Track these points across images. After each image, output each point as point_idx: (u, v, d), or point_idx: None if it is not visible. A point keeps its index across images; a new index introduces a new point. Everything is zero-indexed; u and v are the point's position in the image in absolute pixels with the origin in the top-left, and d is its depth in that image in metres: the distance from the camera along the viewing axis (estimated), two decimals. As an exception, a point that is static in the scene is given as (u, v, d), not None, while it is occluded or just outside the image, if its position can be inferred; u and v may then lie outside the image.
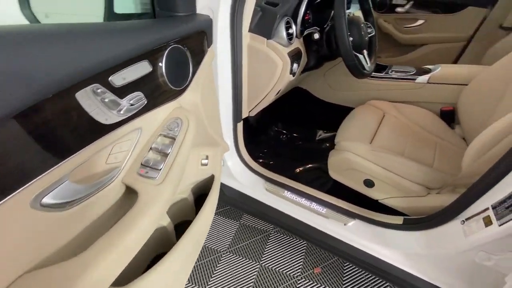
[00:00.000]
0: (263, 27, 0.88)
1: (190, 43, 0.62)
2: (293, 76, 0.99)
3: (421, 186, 0.89)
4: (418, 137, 1.11)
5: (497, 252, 0.64)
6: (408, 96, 1.29)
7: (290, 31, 0.92)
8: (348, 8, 1.46)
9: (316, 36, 1.01)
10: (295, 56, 0.96)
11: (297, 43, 1.01)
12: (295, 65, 0.96)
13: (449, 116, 1.21)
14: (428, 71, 1.28)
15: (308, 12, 1.11)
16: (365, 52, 1.05)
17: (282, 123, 1.69)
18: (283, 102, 1.33)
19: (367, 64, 1.05)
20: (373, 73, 1.32)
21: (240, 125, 1.06)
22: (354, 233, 0.92)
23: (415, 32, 1.87)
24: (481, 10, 1.63)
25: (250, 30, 0.88)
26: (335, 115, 1.49)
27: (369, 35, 1.06)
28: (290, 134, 1.67)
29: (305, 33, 1.04)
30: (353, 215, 0.94)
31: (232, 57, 0.83)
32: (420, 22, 1.84)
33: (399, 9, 1.86)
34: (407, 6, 1.83)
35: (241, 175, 1.10)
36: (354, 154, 0.98)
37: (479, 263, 0.68)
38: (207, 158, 0.78)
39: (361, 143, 1.00)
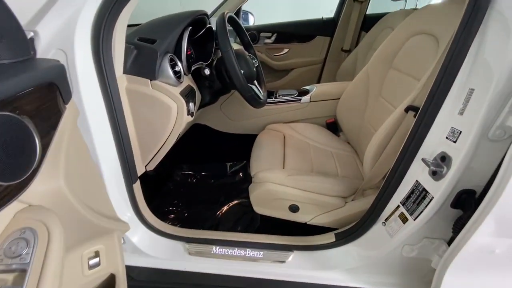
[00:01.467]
0: (143, 67, 0.74)
1: (28, 106, 0.40)
2: (192, 116, 0.88)
3: (337, 197, 0.94)
4: (317, 151, 1.21)
5: (416, 242, 0.71)
6: (298, 115, 1.41)
7: (176, 68, 0.81)
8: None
9: (207, 71, 0.95)
10: (189, 95, 0.86)
11: (187, 81, 0.91)
12: (191, 105, 0.86)
13: (333, 127, 1.39)
14: (307, 91, 1.45)
15: (189, 47, 1.04)
16: (255, 82, 1.06)
17: (187, 164, 1.52)
18: (183, 142, 1.18)
19: (261, 93, 1.06)
20: (265, 99, 1.39)
21: (137, 186, 0.84)
22: (295, 268, 0.86)
23: (284, 59, 2.14)
24: (327, 38, 2.03)
25: (126, 72, 0.72)
26: (240, 144, 1.46)
27: (255, 66, 1.09)
28: (199, 174, 1.52)
29: (193, 68, 0.96)
30: (290, 248, 0.88)
31: (108, 107, 0.64)
32: (285, 50, 2.13)
33: (267, 41, 2.10)
34: (273, 38, 2.08)
35: (153, 247, 0.87)
36: (274, 183, 0.94)
37: (406, 256, 0.74)
38: (96, 255, 0.54)
39: (277, 171, 0.98)
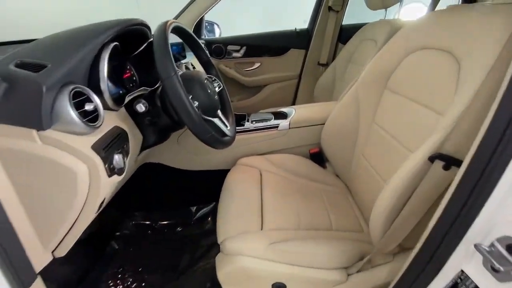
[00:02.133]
0: (21, 110, 0.44)
1: None
2: (121, 174, 0.59)
3: (336, 270, 0.69)
4: (302, 191, 0.96)
5: None
6: (275, 145, 1.16)
7: (88, 107, 0.52)
8: (183, 57, 1.23)
9: (142, 107, 0.67)
10: (113, 144, 0.57)
11: (115, 119, 0.62)
12: (117, 158, 0.57)
13: (318, 157, 1.16)
14: (284, 114, 1.21)
15: (128, 68, 0.76)
16: (219, 113, 0.80)
17: (140, 212, 1.20)
18: (133, 186, 0.89)
19: (227, 126, 0.80)
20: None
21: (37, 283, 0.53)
22: None
23: (255, 75, 1.92)
24: (301, 51, 1.84)
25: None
26: (206, 182, 1.17)
27: (219, 90, 0.83)
28: (156, 224, 1.20)
29: (129, 98, 0.67)
30: None
31: None
32: (257, 65, 1.90)
33: (235, 54, 1.86)
34: (242, 51, 1.85)
35: None
36: (250, 257, 0.67)
37: None
38: None
39: (253, 238, 0.71)
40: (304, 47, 1.84)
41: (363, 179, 0.92)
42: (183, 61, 1.17)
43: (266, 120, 1.17)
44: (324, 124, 1.10)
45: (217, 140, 0.67)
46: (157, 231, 1.19)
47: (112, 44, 0.59)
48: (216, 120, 0.74)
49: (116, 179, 0.57)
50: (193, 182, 1.17)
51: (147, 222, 1.20)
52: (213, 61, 1.88)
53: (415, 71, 0.76)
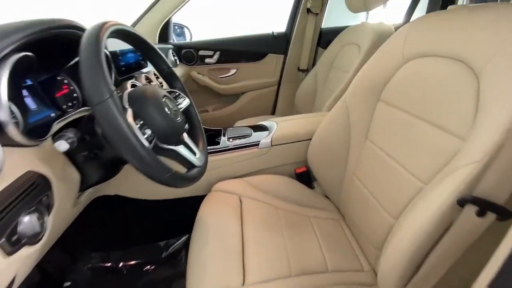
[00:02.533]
0: None
1: None
2: (35, 243, 0.40)
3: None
4: (290, 221, 0.82)
5: None
6: (256, 165, 1.02)
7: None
8: (142, 67, 1.03)
9: (62, 146, 0.48)
10: (21, 201, 0.39)
11: (29, 161, 0.44)
12: (26, 221, 0.38)
13: (305, 177, 1.03)
14: (264, 128, 1.07)
15: (66, 82, 0.58)
16: (185, 136, 0.64)
17: (99, 252, 1.00)
18: (84, 222, 0.70)
19: (195, 154, 0.64)
20: (209, 147, 0.97)
21: None
22: None
23: (231, 82, 1.76)
24: (280, 56, 1.72)
25: None
26: (176, 212, 1.00)
27: (184, 107, 0.67)
28: (118, 265, 1.00)
29: (55, 127, 0.49)
30: None
31: None
32: (232, 71, 1.75)
33: (208, 60, 1.69)
34: (215, 57, 1.69)
35: None
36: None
37: None
38: None
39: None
40: (283, 52, 1.72)
41: (357, 203, 0.80)
42: (144, 70, 0.99)
43: (245, 136, 1.02)
44: (310, 139, 0.97)
45: (179, 178, 0.51)
46: (120, 274, 0.99)
47: (17, 56, 0.41)
48: (180, 148, 0.58)
49: (28, 251, 0.39)
50: (160, 214, 0.99)
51: (107, 264, 1.00)
52: (184, 68, 1.72)
53: (416, 81, 0.65)
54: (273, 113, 1.88)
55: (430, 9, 1.19)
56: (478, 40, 0.51)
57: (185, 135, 0.63)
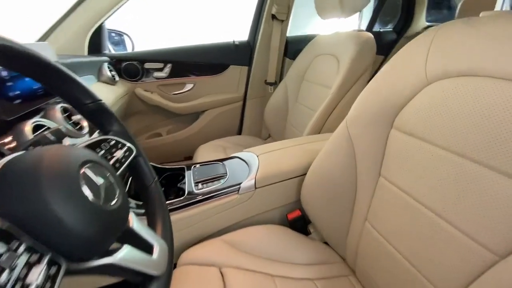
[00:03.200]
0: None
1: None
2: None
3: None
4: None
5: None
6: (236, 216, 0.77)
7: None
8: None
9: None
10: None
11: None
12: None
13: (300, 223, 0.81)
14: (241, 161, 0.84)
15: None
16: (132, 224, 0.36)
17: None
18: None
19: (150, 253, 0.36)
20: (169, 201, 0.69)
21: None
22: None
23: (188, 99, 1.48)
24: (243, 68, 1.51)
25: None
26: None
27: (126, 164, 0.39)
28: None
29: None
30: None
31: None
32: (189, 86, 1.48)
33: (158, 74, 1.39)
34: (167, 70, 1.39)
35: None
36: None
37: None
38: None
39: None
40: (247, 63, 1.51)
41: (376, 258, 0.61)
42: (58, 105, 0.65)
43: (218, 177, 0.76)
44: (303, 175, 0.77)
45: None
46: None
47: None
48: (120, 256, 0.31)
49: None
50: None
51: None
52: (126, 84, 1.38)
53: (450, 108, 0.48)
54: (239, 132, 1.65)
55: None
56: None
57: (131, 220, 0.36)
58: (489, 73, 0.43)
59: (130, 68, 1.34)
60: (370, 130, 0.63)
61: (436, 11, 1.93)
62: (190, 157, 1.47)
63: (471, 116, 0.45)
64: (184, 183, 0.76)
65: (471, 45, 0.46)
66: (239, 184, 0.74)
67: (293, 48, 1.54)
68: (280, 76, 1.57)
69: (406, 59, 0.58)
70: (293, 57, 1.44)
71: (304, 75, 1.31)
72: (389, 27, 1.85)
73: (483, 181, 0.42)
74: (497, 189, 0.40)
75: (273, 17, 1.39)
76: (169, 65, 1.38)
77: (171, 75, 1.41)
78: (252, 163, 0.81)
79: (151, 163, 0.54)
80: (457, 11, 1.54)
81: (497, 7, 0.48)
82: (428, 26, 1.75)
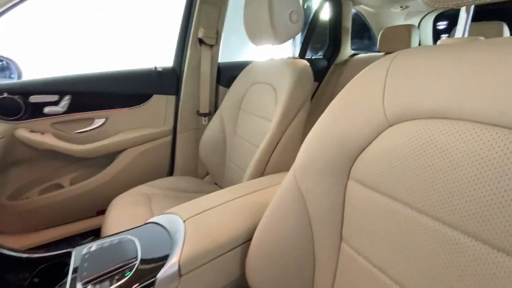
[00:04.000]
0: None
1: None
2: None
3: None
4: None
5: None
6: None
7: None
8: None
9: None
10: None
11: None
12: None
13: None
14: (160, 228, 0.60)
15: None
16: None
17: None
18: None
19: None
20: None
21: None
22: None
23: (99, 137, 1.17)
24: (170, 97, 1.28)
25: None
26: None
27: None
28: None
29: None
30: None
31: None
32: (99, 122, 1.17)
33: (51, 109, 1.06)
34: (64, 103, 1.07)
35: None
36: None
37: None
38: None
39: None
40: (174, 92, 1.29)
41: None
42: None
43: (122, 267, 0.51)
44: (248, 241, 0.58)
45: None
46: None
47: None
48: None
49: None
50: None
51: None
52: (1, 126, 1.02)
53: (417, 158, 0.37)
54: (170, 173, 1.39)
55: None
56: None
57: None
58: (461, 115, 0.33)
59: (7, 104, 0.98)
60: (323, 182, 0.48)
61: (359, 41, 2.08)
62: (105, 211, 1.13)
63: (445, 170, 0.33)
64: (66, 282, 0.48)
65: (436, 79, 0.36)
66: (155, 273, 0.50)
67: (227, 74, 1.40)
68: (215, 105, 1.40)
69: (359, 94, 0.45)
70: (227, 84, 1.30)
71: (240, 105, 1.17)
72: (319, 55, 1.90)
73: (479, 258, 0.29)
74: (500, 270, 0.28)
75: (201, 41, 1.24)
76: (67, 97, 1.07)
77: (72, 109, 1.09)
78: (176, 233, 0.58)
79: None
80: (378, 42, 1.64)
81: (458, 34, 0.40)
82: (354, 54, 1.86)
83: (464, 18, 0.38)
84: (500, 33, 1.22)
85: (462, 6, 0.35)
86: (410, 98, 0.37)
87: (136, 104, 1.23)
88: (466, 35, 0.40)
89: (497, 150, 0.29)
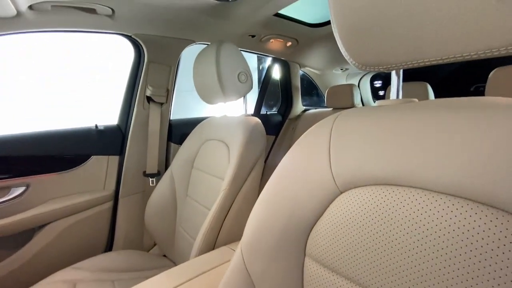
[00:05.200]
0: None
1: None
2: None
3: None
4: None
5: None
6: None
7: None
8: None
9: None
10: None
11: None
12: None
13: None
14: None
15: None
16: None
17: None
18: None
19: None
20: None
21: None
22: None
23: (15, 211, 0.96)
24: (113, 158, 1.15)
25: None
26: None
27: None
28: None
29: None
30: None
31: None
32: (18, 191, 0.97)
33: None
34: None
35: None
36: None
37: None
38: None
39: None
40: (117, 152, 1.17)
41: None
42: None
43: None
44: None
45: None
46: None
47: None
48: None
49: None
50: None
51: None
52: None
53: (371, 230, 0.32)
54: (109, 247, 1.16)
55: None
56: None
57: None
58: (400, 181, 0.30)
59: None
60: (275, 263, 0.40)
61: (309, 97, 2.25)
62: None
63: (401, 242, 0.29)
64: None
65: (378, 144, 0.33)
66: None
67: (179, 131, 1.33)
68: (165, 164, 1.29)
69: (306, 158, 0.41)
70: (180, 141, 1.22)
71: (193, 163, 1.08)
72: (274, 110, 1.98)
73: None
74: None
75: (150, 99, 1.19)
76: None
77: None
78: None
79: None
80: (325, 99, 1.76)
81: (392, 95, 0.39)
82: (306, 110, 1.97)
83: (395, 80, 0.38)
84: (426, 93, 1.40)
85: (392, 70, 0.35)
86: (358, 163, 0.33)
87: (68, 167, 1.06)
88: (400, 96, 0.39)
89: (446, 219, 0.26)
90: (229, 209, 0.85)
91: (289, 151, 0.43)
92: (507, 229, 0.23)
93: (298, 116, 1.94)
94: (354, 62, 0.35)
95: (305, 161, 0.39)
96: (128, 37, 1.07)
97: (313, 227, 0.38)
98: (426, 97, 1.40)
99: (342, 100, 1.64)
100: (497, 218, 0.24)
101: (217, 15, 1.04)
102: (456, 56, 0.28)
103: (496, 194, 0.24)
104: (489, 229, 0.24)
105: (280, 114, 1.94)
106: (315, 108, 2.01)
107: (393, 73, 0.38)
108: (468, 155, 0.25)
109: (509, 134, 0.24)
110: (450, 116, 0.29)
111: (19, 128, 1.05)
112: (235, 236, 0.83)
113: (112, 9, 0.88)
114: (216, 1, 0.96)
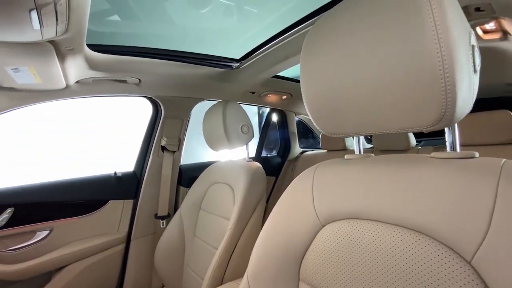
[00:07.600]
0: None
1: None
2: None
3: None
4: None
5: None
6: None
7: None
8: None
9: None
10: None
11: None
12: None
13: None
14: None
15: None
16: None
17: None
18: None
19: None
20: None
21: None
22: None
23: (37, 254, 1.04)
24: (128, 201, 1.26)
25: None
26: None
27: None
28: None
29: None
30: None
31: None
32: (42, 235, 1.07)
33: (-13, 225, 0.96)
34: (4, 217, 0.99)
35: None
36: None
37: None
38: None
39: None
40: (132, 197, 1.29)
41: None
42: None
43: None
44: None
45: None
46: None
47: None
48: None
49: None
50: None
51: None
52: None
53: (351, 257, 0.43)
54: (119, 286, 1.21)
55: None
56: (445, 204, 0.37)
57: None
58: (369, 216, 0.42)
59: None
60: (276, 286, 0.50)
61: (306, 140, 2.42)
62: None
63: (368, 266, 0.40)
64: None
65: (347, 188, 0.46)
66: None
67: (188, 175, 1.47)
68: (175, 206, 1.40)
69: (295, 201, 0.54)
70: (188, 185, 1.35)
71: (201, 204, 1.19)
72: (274, 153, 2.13)
73: None
74: None
75: (163, 148, 1.35)
76: (9, 210, 1.00)
77: (13, 222, 1.00)
78: None
79: None
80: (320, 142, 1.92)
81: (356, 151, 0.54)
82: (303, 152, 2.13)
83: (356, 140, 0.53)
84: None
85: (349, 136, 0.49)
86: (333, 203, 0.46)
87: (88, 212, 1.18)
88: (361, 152, 0.54)
89: (399, 245, 0.38)
90: (235, 247, 0.94)
91: (283, 193, 0.56)
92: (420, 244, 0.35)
93: (297, 158, 2.08)
94: (321, 130, 0.50)
95: (295, 201, 0.52)
96: (149, 98, 1.28)
97: (304, 255, 0.49)
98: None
99: (335, 143, 1.80)
100: (419, 238, 0.36)
101: (223, 79, 1.25)
102: (387, 130, 0.43)
103: (420, 222, 0.36)
104: (416, 247, 0.36)
105: (280, 156, 2.09)
106: (312, 150, 2.16)
107: (354, 137, 0.53)
108: (406, 196, 0.39)
109: (431, 181, 0.38)
110: (393, 168, 0.43)
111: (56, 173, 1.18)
112: (242, 272, 0.91)
113: (139, 79, 1.09)
114: (223, 69, 1.18)
